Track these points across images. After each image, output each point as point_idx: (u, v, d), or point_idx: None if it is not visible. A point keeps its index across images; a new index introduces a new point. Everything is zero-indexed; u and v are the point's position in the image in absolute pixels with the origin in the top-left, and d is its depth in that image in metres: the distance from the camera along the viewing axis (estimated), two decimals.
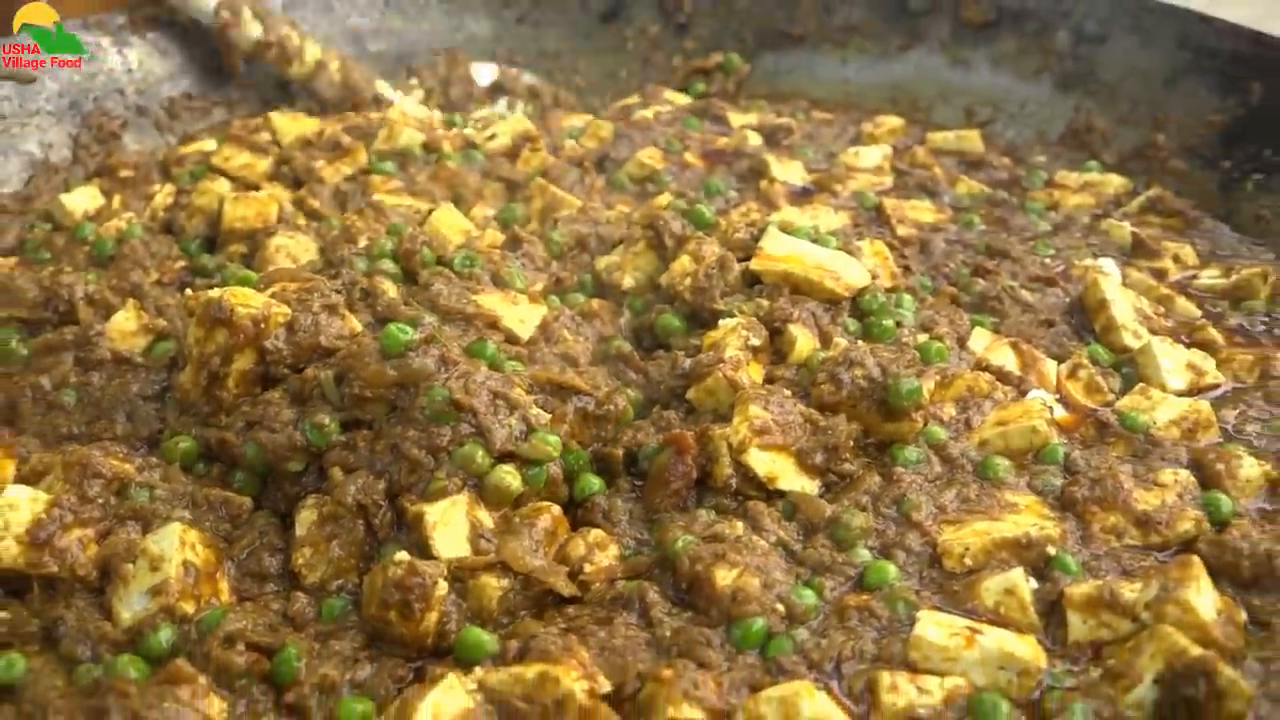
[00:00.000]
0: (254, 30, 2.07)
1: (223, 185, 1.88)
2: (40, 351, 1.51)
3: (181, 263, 1.72)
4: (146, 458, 1.33)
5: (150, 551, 1.18)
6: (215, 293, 1.34)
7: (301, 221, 1.76)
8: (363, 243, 1.61)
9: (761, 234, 1.52)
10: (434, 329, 1.35)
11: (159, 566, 1.17)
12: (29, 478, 1.28)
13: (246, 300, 1.34)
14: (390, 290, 1.44)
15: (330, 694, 1.09)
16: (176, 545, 1.17)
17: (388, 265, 1.52)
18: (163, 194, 1.90)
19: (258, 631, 1.13)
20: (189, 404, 1.36)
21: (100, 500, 1.24)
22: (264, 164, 1.96)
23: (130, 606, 1.16)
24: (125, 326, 1.53)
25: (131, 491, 1.26)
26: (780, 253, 1.49)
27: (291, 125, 2.05)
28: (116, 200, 1.91)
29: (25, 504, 1.19)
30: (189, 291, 1.50)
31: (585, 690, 1.04)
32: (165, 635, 1.13)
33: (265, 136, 2.03)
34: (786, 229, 1.55)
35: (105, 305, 1.58)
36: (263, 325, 1.32)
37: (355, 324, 1.36)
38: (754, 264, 1.48)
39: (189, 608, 1.15)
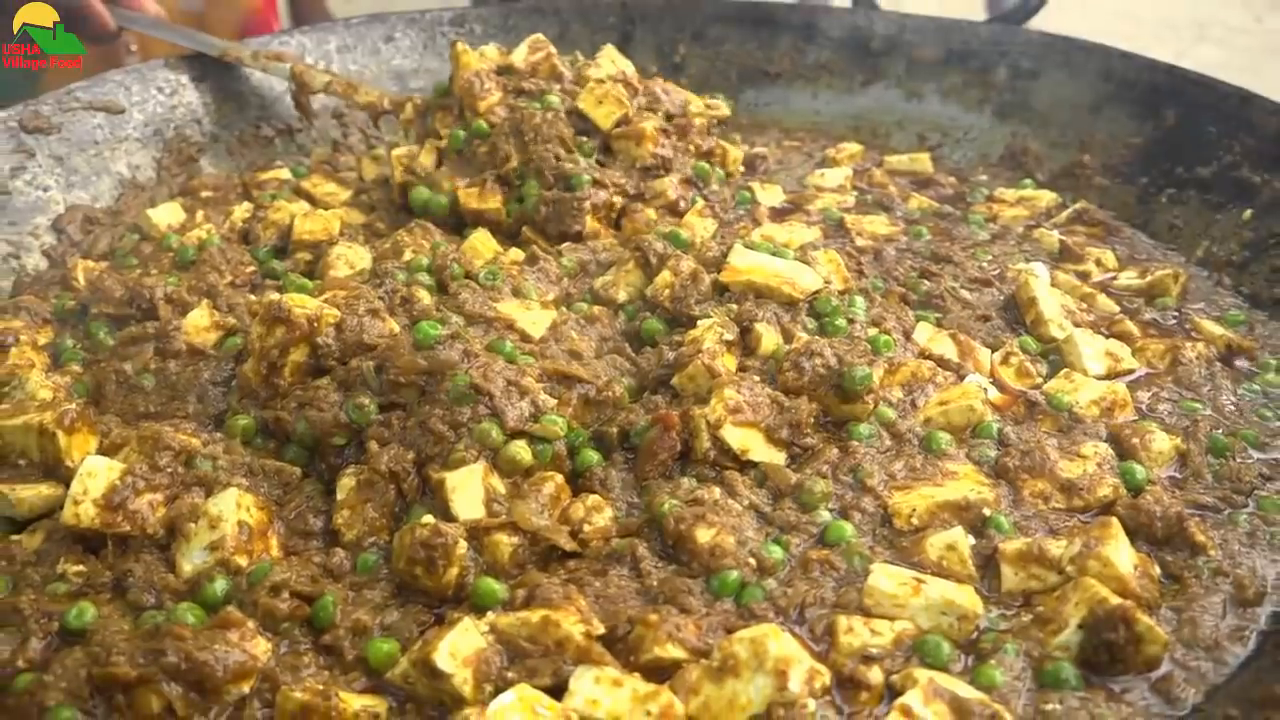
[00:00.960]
0: (321, 79, 2.04)
1: (300, 205, 1.86)
2: (125, 342, 1.49)
3: (252, 267, 1.69)
4: (212, 434, 1.30)
5: (210, 512, 1.15)
6: (276, 296, 1.34)
7: (360, 237, 1.75)
8: (406, 256, 1.59)
9: (729, 251, 1.49)
10: (459, 328, 1.34)
11: (217, 525, 1.14)
12: (108, 450, 1.25)
13: (303, 303, 1.32)
14: (425, 297, 1.43)
15: (362, 635, 1.07)
16: (233, 507, 1.15)
17: (423, 278, 1.50)
18: (241, 210, 1.87)
19: (300, 582, 1.11)
20: (250, 390, 1.34)
21: (169, 469, 1.21)
22: (345, 193, 1.96)
23: (191, 560, 1.13)
24: (199, 322, 1.51)
25: (196, 462, 1.23)
26: (744, 265, 1.47)
27: (371, 167, 2.06)
28: (199, 215, 1.88)
29: (102, 472, 1.16)
30: (253, 298, 1.48)
31: (582, 632, 1.01)
32: (220, 585, 1.10)
33: (351, 172, 2.05)
34: (751, 245, 1.53)
35: (182, 304, 1.56)
36: (315, 324, 1.31)
37: (394, 325, 1.35)
38: (722, 275, 1.46)
39: (242, 561, 1.13)
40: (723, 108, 2.07)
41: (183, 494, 1.19)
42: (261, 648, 1.04)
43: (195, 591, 1.10)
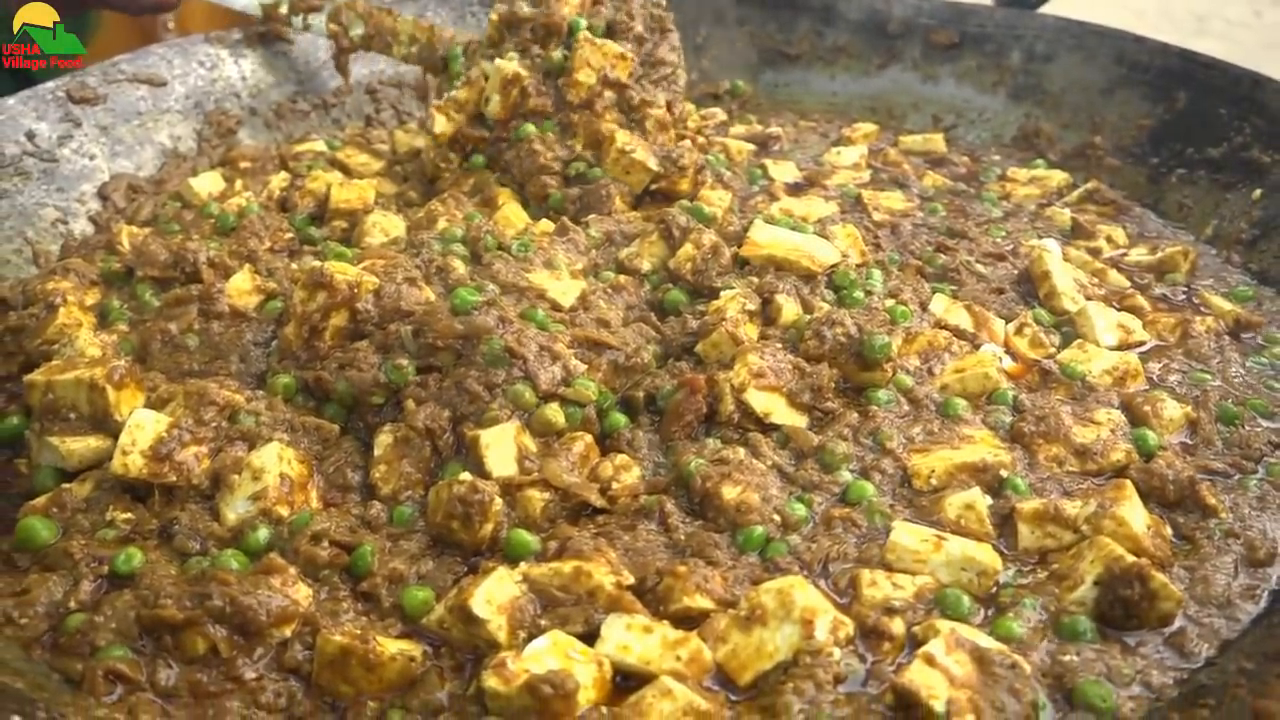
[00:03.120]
0: (358, 28, 2.02)
1: (335, 175, 1.85)
2: (170, 304, 1.48)
3: (289, 234, 1.68)
4: (255, 391, 1.30)
5: (254, 465, 1.15)
6: (318, 264, 1.34)
7: (393, 207, 1.74)
8: (440, 225, 1.58)
9: (749, 226, 1.48)
10: (495, 295, 1.34)
11: (260, 477, 1.14)
12: (155, 404, 1.25)
13: (344, 270, 1.32)
14: (459, 267, 1.42)
15: (398, 584, 1.07)
16: (275, 460, 1.15)
17: (458, 248, 1.49)
18: (279, 179, 1.86)
19: (339, 532, 1.11)
20: (290, 352, 1.33)
21: (214, 423, 1.21)
22: (377, 164, 1.94)
23: (235, 509, 1.13)
24: (242, 285, 1.50)
25: (240, 417, 1.22)
26: (764, 240, 1.45)
27: (404, 139, 2.04)
28: (238, 184, 1.87)
29: (150, 425, 1.17)
30: (295, 265, 1.47)
31: (613, 583, 1.01)
32: (263, 534, 1.10)
33: (383, 145, 2.02)
34: (770, 220, 1.51)
35: (224, 268, 1.55)
36: (356, 290, 1.30)
37: (430, 294, 1.34)
38: (743, 250, 1.45)
39: (284, 511, 1.13)
40: (719, 115, 2.07)
41: (226, 447, 1.19)
42: (303, 593, 1.04)
43: (239, 539, 1.10)
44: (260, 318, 1.45)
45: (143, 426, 1.16)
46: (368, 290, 1.32)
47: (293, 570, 1.06)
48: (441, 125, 1.78)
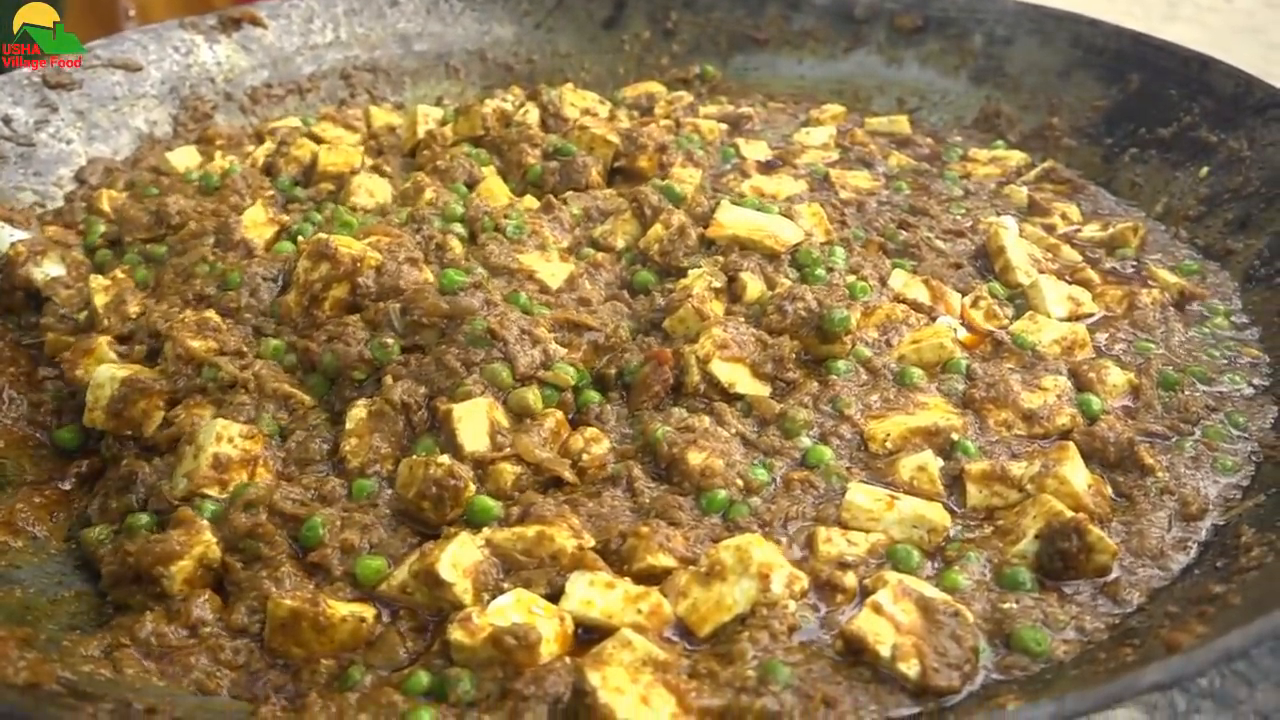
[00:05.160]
0: None
1: (317, 145, 1.90)
2: (186, 236, 1.56)
3: (271, 193, 1.73)
4: (247, 335, 1.36)
5: (196, 440, 1.19)
6: (324, 236, 1.38)
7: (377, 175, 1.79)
8: (428, 195, 1.64)
9: (716, 206, 1.53)
10: (483, 278, 1.39)
11: (197, 456, 1.17)
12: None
13: (349, 245, 1.38)
14: (457, 247, 1.48)
15: (350, 554, 1.09)
16: (212, 440, 1.17)
17: (457, 227, 1.54)
18: (263, 148, 1.91)
19: (285, 503, 1.13)
20: (289, 319, 1.38)
21: (180, 375, 1.29)
22: (353, 138, 1.98)
23: (178, 482, 1.18)
24: (256, 217, 1.58)
25: (204, 370, 1.28)
26: (729, 220, 1.51)
27: (380, 115, 2.10)
28: (217, 156, 1.91)
29: (108, 383, 1.25)
30: (301, 239, 1.51)
31: (575, 545, 1.06)
32: (209, 507, 1.15)
33: (358, 122, 2.06)
34: (738, 200, 1.57)
35: (210, 218, 1.59)
36: (359, 264, 1.35)
37: (429, 275, 1.39)
38: (709, 231, 1.50)
39: (213, 491, 1.16)
40: (686, 97, 2.14)
41: (188, 399, 1.26)
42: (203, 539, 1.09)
43: (193, 504, 1.15)
44: (268, 258, 1.49)
45: (102, 385, 1.26)
46: (370, 266, 1.36)
47: (203, 521, 1.10)
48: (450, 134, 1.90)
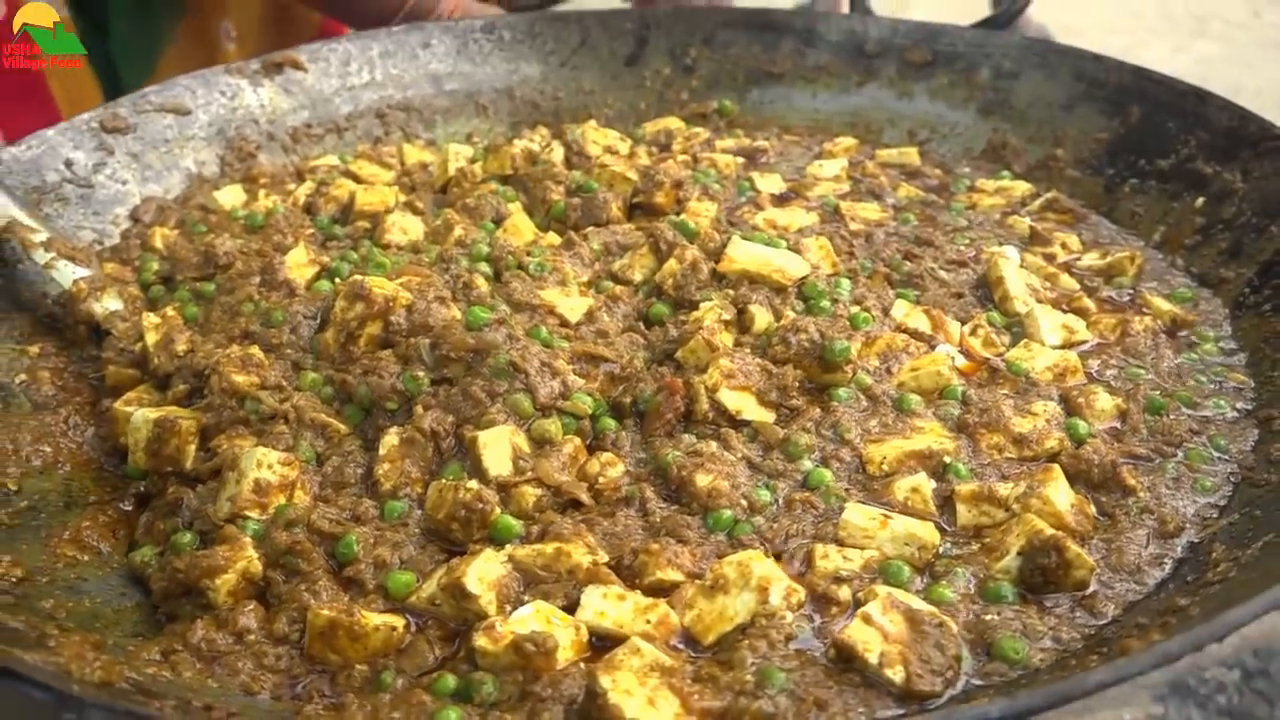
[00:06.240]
0: None
1: (355, 184, 2.03)
2: (232, 277, 1.68)
3: (311, 231, 1.87)
4: (288, 370, 1.47)
5: (239, 467, 1.29)
6: (359, 278, 1.50)
7: (409, 212, 1.92)
8: (457, 232, 1.75)
9: (728, 243, 1.63)
10: (506, 315, 1.49)
11: (239, 481, 1.28)
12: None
13: (381, 285, 1.49)
14: (482, 285, 1.58)
15: (382, 569, 1.19)
16: (253, 466, 1.27)
17: (483, 266, 1.65)
18: (304, 188, 2.04)
19: (322, 523, 1.23)
20: (327, 354, 1.49)
21: (223, 408, 1.39)
22: (387, 175, 2.11)
23: (221, 506, 1.28)
24: (299, 258, 1.69)
25: (246, 403, 1.39)
26: (739, 256, 1.60)
27: (413, 153, 2.23)
28: (261, 194, 2.04)
29: (143, 426, 1.37)
30: (336, 281, 1.62)
31: (590, 561, 1.15)
32: (252, 526, 1.25)
33: (393, 159, 2.20)
34: (748, 236, 1.68)
35: (256, 258, 1.71)
36: (391, 304, 1.46)
37: (456, 313, 1.50)
38: (720, 266, 1.60)
39: (254, 513, 1.26)
40: (703, 134, 2.25)
41: (230, 430, 1.36)
42: (246, 554, 1.19)
43: (238, 524, 1.25)
44: (308, 296, 1.61)
45: (139, 428, 1.37)
46: (401, 305, 1.47)
47: (246, 538, 1.21)
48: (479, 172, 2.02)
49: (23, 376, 1.55)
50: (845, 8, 2.50)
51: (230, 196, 2.02)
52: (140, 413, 1.39)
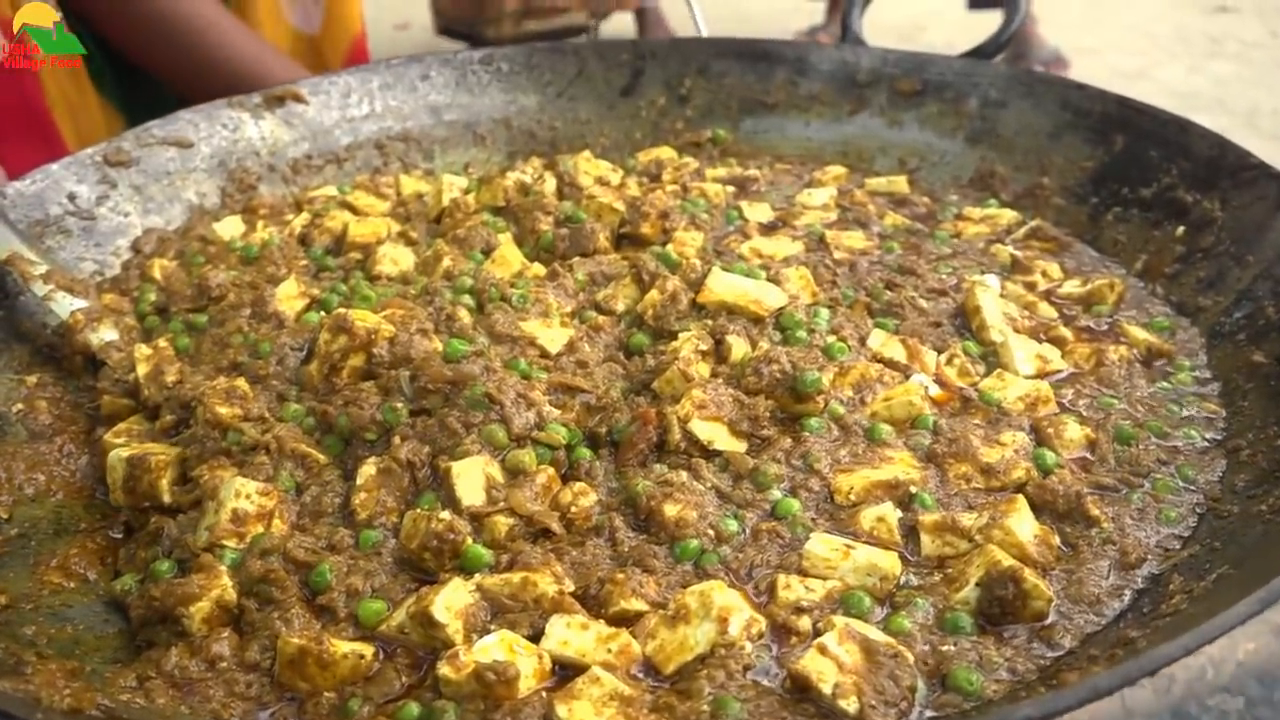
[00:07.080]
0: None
1: (349, 216, 2.07)
2: (226, 308, 1.73)
3: (304, 262, 1.91)
4: (272, 401, 1.51)
5: (217, 497, 1.32)
6: (342, 311, 1.54)
7: (399, 244, 1.96)
8: (445, 263, 1.78)
9: (708, 274, 1.65)
10: (484, 347, 1.53)
11: (218, 511, 1.31)
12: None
13: (364, 318, 1.53)
14: (465, 317, 1.62)
15: (354, 597, 1.22)
16: (232, 496, 1.31)
17: (466, 299, 1.69)
18: (300, 219, 2.08)
19: (298, 552, 1.26)
20: (311, 386, 1.53)
21: (207, 439, 1.43)
22: (383, 205, 2.16)
23: (200, 535, 1.31)
24: (289, 291, 1.73)
25: (229, 435, 1.43)
26: (718, 287, 1.63)
27: (410, 183, 2.28)
28: (259, 225, 2.09)
29: (119, 465, 1.40)
30: (322, 314, 1.66)
31: (556, 590, 1.18)
32: (229, 555, 1.28)
33: (389, 189, 2.25)
34: (737, 260, 1.69)
35: (248, 290, 1.76)
36: (373, 336, 1.50)
37: (438, 345, 1.53)
38: (699, 297, 1.63)
39: (231, 542, 1.29)
40: (692, 164, 2.28)
41: (213, 460, 1.39)
42: (220, 584, 1.22)
43: (216, 553, 1.28)
44: (297, 328, 1.65)
45: (115, 467, 1.40)
46: (384, 338, 1.51)
47: (222, 567, 1.24)
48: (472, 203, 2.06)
49: (20, 406, 1.60)
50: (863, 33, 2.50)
51: (229, 228, 2.07)
52: (115, 453, 1.42)
